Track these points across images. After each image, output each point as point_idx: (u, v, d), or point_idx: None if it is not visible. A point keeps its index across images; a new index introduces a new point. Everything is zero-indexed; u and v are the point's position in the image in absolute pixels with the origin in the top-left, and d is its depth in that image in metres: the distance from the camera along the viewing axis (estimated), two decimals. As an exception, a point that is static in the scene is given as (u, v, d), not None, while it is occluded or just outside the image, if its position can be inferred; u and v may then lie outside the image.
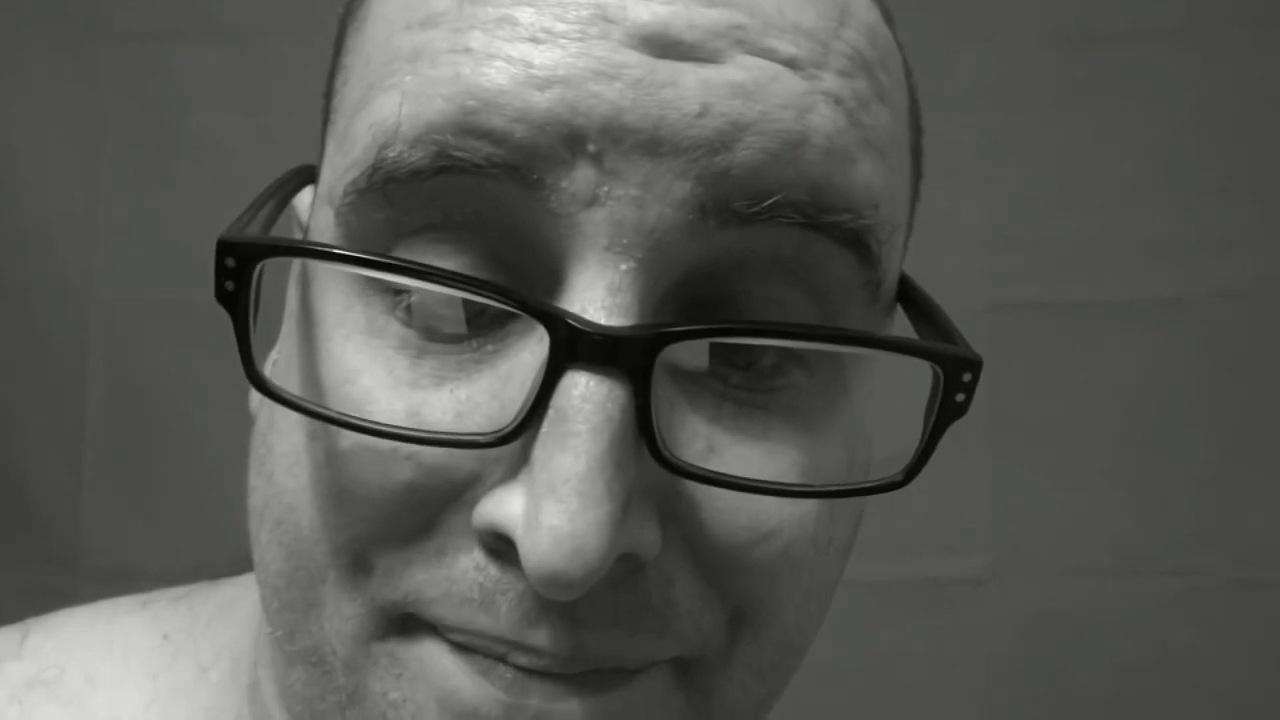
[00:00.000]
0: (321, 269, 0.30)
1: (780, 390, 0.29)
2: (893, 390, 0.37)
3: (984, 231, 1.05)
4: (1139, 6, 1.06)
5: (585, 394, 0.25)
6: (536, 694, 0.28)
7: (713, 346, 0.28)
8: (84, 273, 1.08)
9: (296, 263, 0.32)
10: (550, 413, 0.26)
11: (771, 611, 0.30)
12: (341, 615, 0.29)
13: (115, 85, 1.09)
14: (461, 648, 0.28)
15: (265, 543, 0.31)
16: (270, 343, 0.33)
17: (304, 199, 0.36)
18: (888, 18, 0.32)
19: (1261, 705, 1.06)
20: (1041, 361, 1.05)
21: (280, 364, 0.32)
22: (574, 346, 0.26)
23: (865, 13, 0.30)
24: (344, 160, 0.29)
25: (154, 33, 1.09)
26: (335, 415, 0.27)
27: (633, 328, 0.26)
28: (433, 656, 0.28)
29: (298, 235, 0.34)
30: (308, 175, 0.33)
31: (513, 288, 0.27)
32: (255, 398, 0.33)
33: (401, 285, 0.28)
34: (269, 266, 0.28)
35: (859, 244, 0.28)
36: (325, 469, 0.29)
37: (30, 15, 1.09)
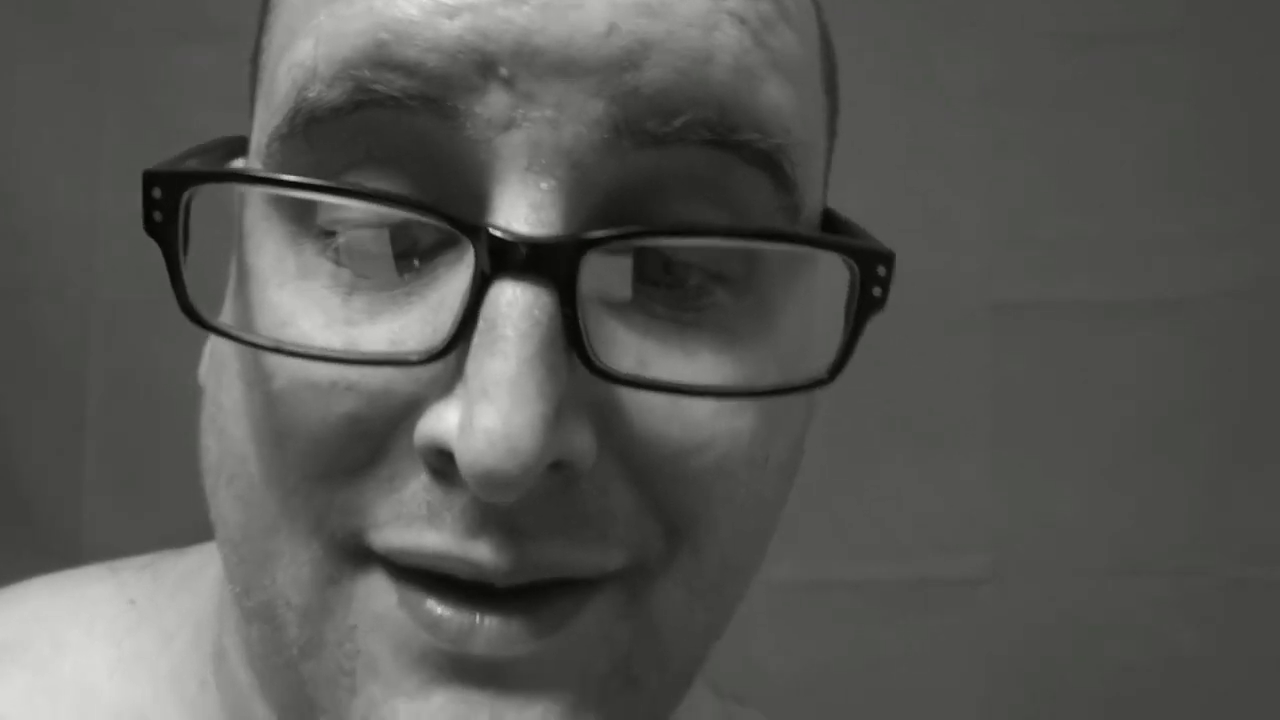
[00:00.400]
0: (254, 224, 0.31)
1: (707, 309, 0.30)
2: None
3: (984, 231, 1.05)
4: (1140, 6, 1.06)
5: (512, 299, 0.26)
6: (484, 636, 0.28)
7: (638, 269, 0.29)
8: (84, 273, 1.08)
9: (236, 234, 0.32)
10: (480, 324, 0.27)
11: (707, 526, 0.30)
12: (297, 562, 0.30)
13: (115, 85, 1.09)
14: (410, 580, 0.29)
15: (222, 498, 0.31)
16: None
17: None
18: None
19: (1261, 705, 1.06)
20: (1041, 361, 1.05)
21: (224, 321, 0.32)
22: (500, 257, 0.26)
23: None
24: (267, 113, 0.30)
25: (154, 33, 1.09)
26: (269, 342, 0.28)
27: (555, 237, 0.27)
28: (386, 603, 0.29)
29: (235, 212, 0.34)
30: (238, 146, 0.34)
31: (433, 209, 0.27)
32: (203, 367, 0.34)
33: (330, 218, 0.29)
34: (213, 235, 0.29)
35: (772, 164, 0.29)
36: (268, 413, 0.29)
37: (30, 15, 1.09)
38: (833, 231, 0.33)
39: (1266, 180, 1.06)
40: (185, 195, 0.28)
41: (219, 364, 0.32)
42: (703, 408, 0.29)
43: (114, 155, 1.09)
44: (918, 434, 1.05)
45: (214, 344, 0.33)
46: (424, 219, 0.27)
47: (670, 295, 0.30)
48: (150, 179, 0.28)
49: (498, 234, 0.27)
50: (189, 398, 1.16)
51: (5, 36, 1.09)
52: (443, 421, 0.27)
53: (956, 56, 1.04)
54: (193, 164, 0.31)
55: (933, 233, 1.02)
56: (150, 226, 0.28)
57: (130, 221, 1.16)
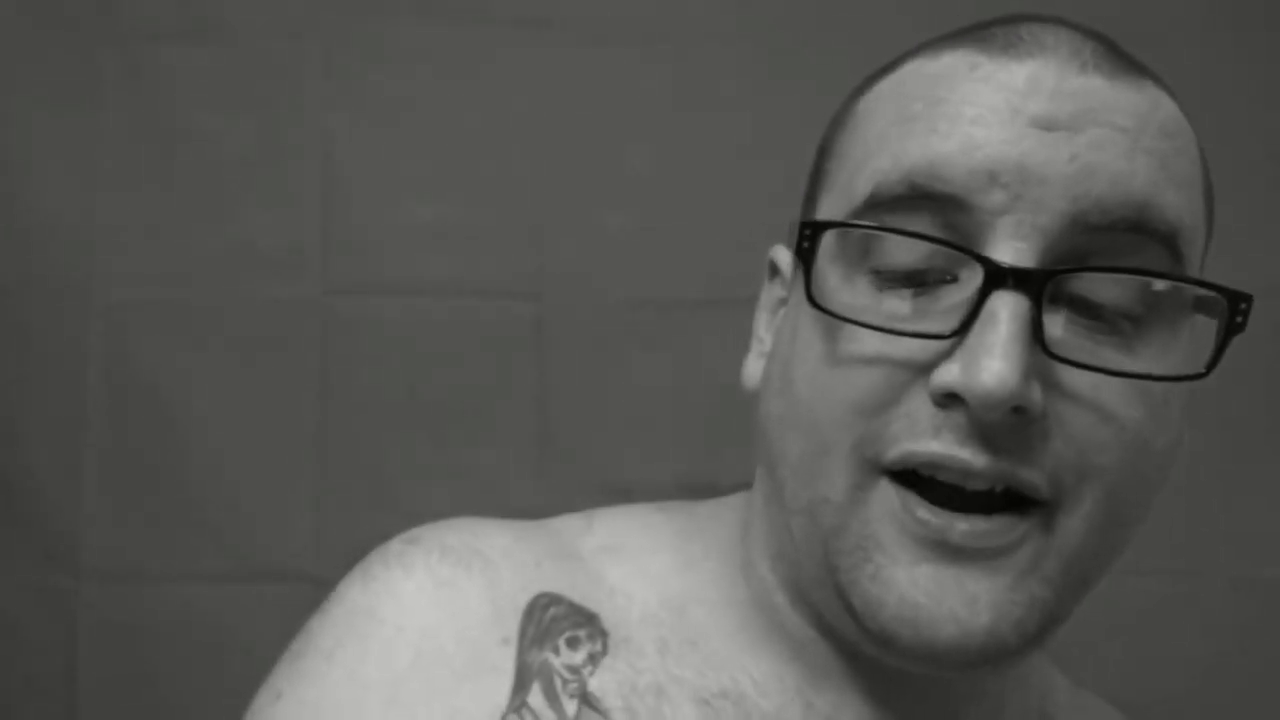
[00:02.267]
0: (824, 266, 0.48)
1: (1121, 333, 0.46)
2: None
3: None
4: (1140, 7, 1.06)
5: (1006, 301, 0.43)
6: (958, 530, 0.44)
7: (1084, 309, 0.45)
8: (83, 273, 1.08)
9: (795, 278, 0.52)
10: (982, 315, 0.43)
11: (1103, 479, 0.45)
12: (838, 472, 0.46)
13: (115, 85, 1.09)
14: (909, 486, 0.45)
15: (789, 440, 0.48)
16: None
17: (781, 255, 0.56)
18: (1184, 116, 0.50)
19: (1262, 705, 1.06)
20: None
21: (785, 333, 0.52)
22: (997, 278, 0.43)
23: (1169, 105, 0.49)
24: (844, 198, 0.48)
25: (153, 33, 1.09)
26: (855, 319, 0.45)
27: (1031, 268, 0.44)
28: (893, 502, 0.45)
29: (774, 282, 0.57)
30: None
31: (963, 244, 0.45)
32: (751, 379, 0.55)
33: (875, 263, 0.46)
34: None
35: (1170, 243, 0.45)
36: (832, 375, 0.47)
37: (30, 15, 1.09)
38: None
39: (1267, 180, 1.06)
40: (821, 237, 0.47)
41: (787, 353, 0.50)
42: (1115, 395, 0.44)
43: (114, 155, 1.09)
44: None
45: (778, 343, 0.52)
46: (961, 253, 0.44)
47: (1096, 325, 0.45)
48: (804, 225, 0.47)
49: (1001, 262, 0.43)
50: (187, 398, 1.15)
51: (5, 36, 1.09)
52: (950, 373, 0.43)
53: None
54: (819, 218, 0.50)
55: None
56: (799, 252, 0.47)
57: (130, 222, 1.15)
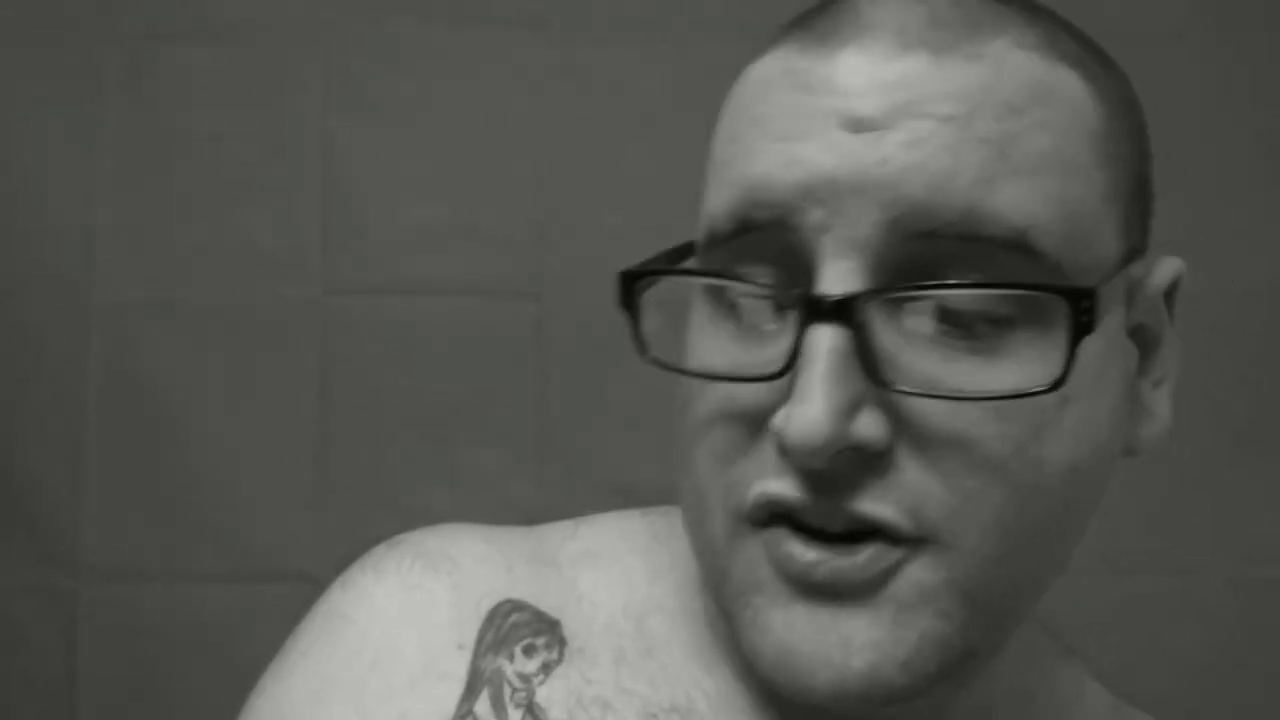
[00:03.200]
0: (696, 299, 0.46)
1: (983, 339, 0.41)
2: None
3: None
4: (1140, 7, 1.06)
5: (822, 335, 0.39)
6: (825, 567, 0.41)
7: (935, 318, 0.41)
8: (83, 273, 1.08)
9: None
10: (804, 350, 0.39)
11: (983, 504, 0.41)
12: (719, 519, 0.44)
13: (114, 85, 1.09)
14: (777, 526, 0.42)
15: (682, 484, 0.47)
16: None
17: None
18: (1067, 58, 0.43)
19: (1262, 705, 1.06)
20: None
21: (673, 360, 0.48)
22: (813, 310, 0.40)
23: (1021, 69, 0.42)
24: (699, 226, 0.45)
25: (153, 33, 1.09)
26: (689, 366, 0.45)
27: (845, 294, 0.40)
28: (768, 544, 0.42)
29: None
30: (689, 250, 0.48)
31: (782, 285, 0.42)
32: (676, 407, 0.50)
33: (732, 297, 0.44)
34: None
35: (1020, 245, 0.40)
36: (696, 424, 0.45)
37: (30, 15, 1.09)
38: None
39: (1267, 180, 1.06)
40: (641, 284, 0.45)
41: (677, 402, 0.47)
42: (977, 414, 0.40)
43: (114, 155, 1.09)
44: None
45: (676, 392, 0.49)
46: (767, 295, 0.42)
47: (958, 331, 0.41)
48: (622, 276, 0.45)
49: (811, 294, 0.40)
50: (187, 398, 1.16)
51: (5, 36, 1.09)
52: (780, 417, 0.40)
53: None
54: (659, 263, 0.47)
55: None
56: (621, 302, 0.45)
57: (130, 222, 1.16)
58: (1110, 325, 0.44)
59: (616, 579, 0.53)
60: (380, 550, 0.54)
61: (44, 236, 1.09)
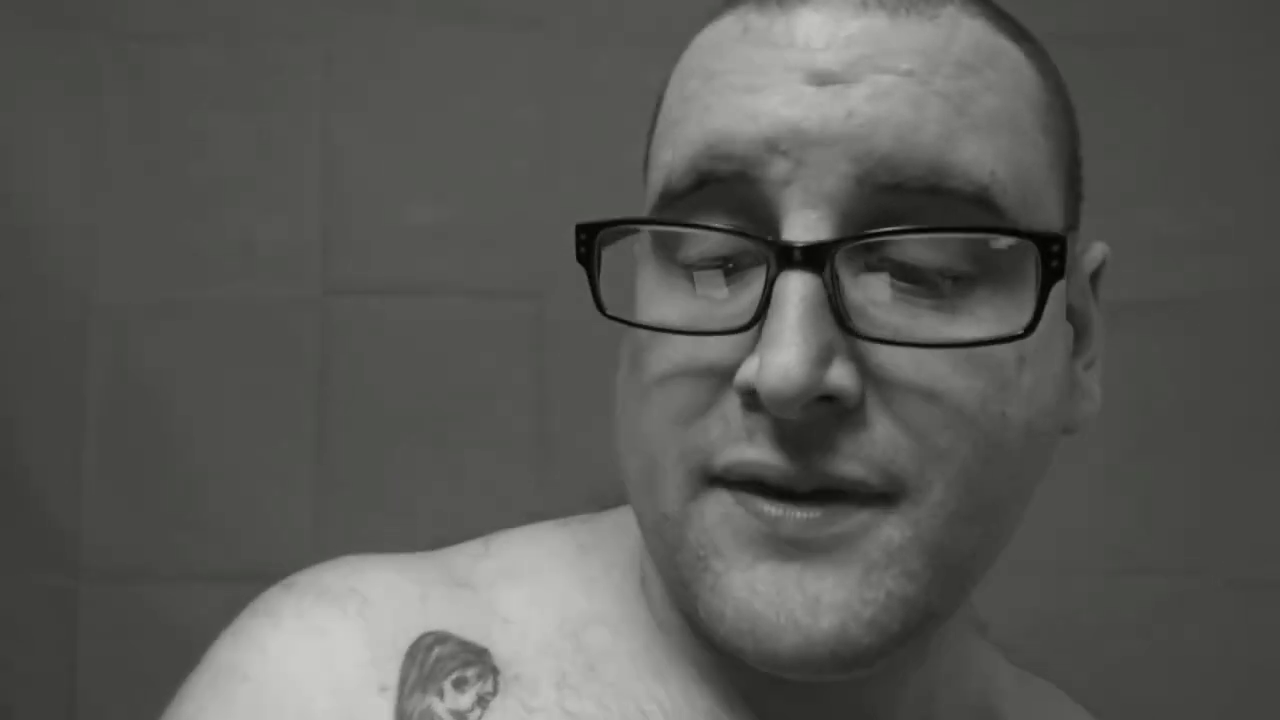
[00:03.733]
0: (643, 258, 0.46)
1: (948, 297, 0.41)
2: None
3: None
4: (1140, 7, 1.06)
5: (792, 282, 0.39)
6: (791, 522, 0.40)
7: (897, 274, 0.41)
8: (84, 273, 1.08)
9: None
10: (774, 299, 0.39)
11: (950, 459, 0.41)
12: (674, 484, 0.43)
13: (115, 85, 1.09)
14: (742, 488, 0.41)
15: (629, 460, 0.46)
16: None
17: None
18: (1007, 32, 0.44)
19: (1262, 705, 1.06)
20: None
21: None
22: (785, 257, 0.39)
23: (971, 32, 0.43)
24: (650, 194, 0.46)
25: (154, 33, 1.09)
26: (646, 322, 0.44)
27: (817, 241, 0.39)
28: (727, 505, 0.42)
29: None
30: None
31: (750, 230, 0.41)
32: (621, 372, 0.49)
33: (685, 256, 0.43)
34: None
35: (981, 200, 0.40)
36: (649, 387, 0.44)
37: (30, 15, 1.09)
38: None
39: (1266, 180, 1.06)
40: (598, 238, 0.44)
41: (624, 365, 0.46)
42: (942, 367, 0.40)
43: (114, 155, 1.09)
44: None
45: (621, 354, 0.48)
46: (742, 239, 0.41)
47: (919, 289, 0.41)
48: (579, 229, 0.45)
49: (783, 242, 0.39)
50: (187, 398, 1.16)
51: (5, 36, 1.09)
52: (747, 369, 0.40)
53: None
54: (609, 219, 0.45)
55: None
56: (578, 258, 0.44)
57: (130, 222, 1.16)
58: (1055, 296, 0.44)
59: (545, 596, 0.50)
60: (274, 593, 0.51)
61: (44, 236, 1.08)
